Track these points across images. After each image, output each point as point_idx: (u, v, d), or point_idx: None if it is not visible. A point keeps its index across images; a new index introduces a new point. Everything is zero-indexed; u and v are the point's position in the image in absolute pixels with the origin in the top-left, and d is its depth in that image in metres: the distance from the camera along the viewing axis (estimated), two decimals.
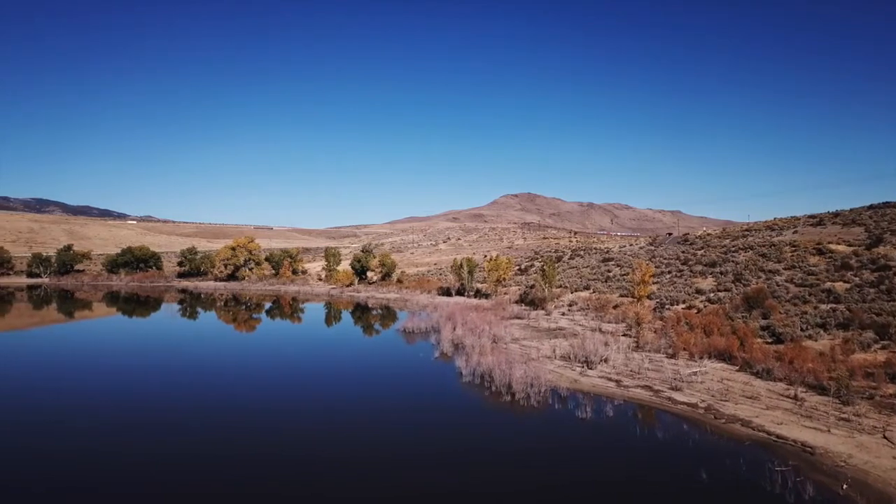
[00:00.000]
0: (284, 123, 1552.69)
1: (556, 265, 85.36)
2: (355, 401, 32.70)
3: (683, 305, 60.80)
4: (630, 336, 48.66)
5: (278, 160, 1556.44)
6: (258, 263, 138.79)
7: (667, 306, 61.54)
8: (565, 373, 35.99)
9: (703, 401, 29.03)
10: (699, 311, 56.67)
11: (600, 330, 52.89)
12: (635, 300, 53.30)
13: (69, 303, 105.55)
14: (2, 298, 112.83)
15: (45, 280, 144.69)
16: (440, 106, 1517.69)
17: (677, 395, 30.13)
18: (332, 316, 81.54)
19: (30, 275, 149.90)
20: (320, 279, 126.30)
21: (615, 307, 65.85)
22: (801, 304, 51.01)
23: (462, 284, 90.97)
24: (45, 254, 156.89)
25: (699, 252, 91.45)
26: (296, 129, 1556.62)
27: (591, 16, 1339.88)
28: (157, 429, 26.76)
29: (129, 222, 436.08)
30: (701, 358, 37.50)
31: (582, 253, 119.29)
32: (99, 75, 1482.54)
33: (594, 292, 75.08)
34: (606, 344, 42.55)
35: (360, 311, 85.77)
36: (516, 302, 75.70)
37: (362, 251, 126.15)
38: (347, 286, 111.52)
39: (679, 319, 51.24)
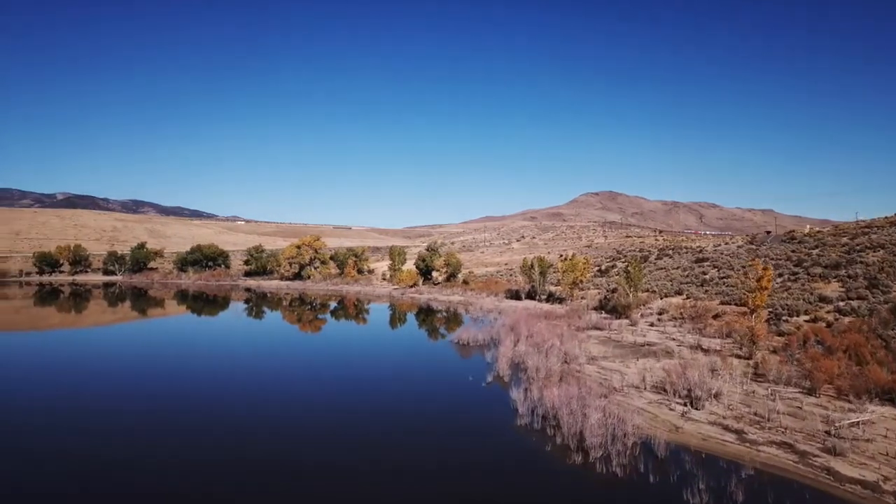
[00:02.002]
0: (368, 124, 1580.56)
1: (642, 266, 74.36)
2: (371, 437, 24.78)
3: (806, 317, 49.00)
4: (743, 358, 37.98)
5: (360, 160, 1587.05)
6: (323, 262, 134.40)
7: (783, 318, 49.89)
8: (661, 414, 26.27)
9: (887, 478, 18.75)
10: (829, 325, 44.88)
11: (701, 347, 42.36)
12: (748, 311, 42.34)
13: (142, 300, 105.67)
14: (80, 295, 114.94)
15: (119, 278, 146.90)
16: (520, 104, 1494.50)
17: (839, 465, 19.93)
18: (385, 320, 74.36)
19: (106, 272, 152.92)
20: (385, 279, 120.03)
21: (716, 317, 54.65)
22: None
23: (532, 287, 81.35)
24: (119, 252, 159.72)
25: (814, 252, 77.65)
26: (379, 130, 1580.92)
27: (673, 8, 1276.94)
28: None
29: (213, 221, 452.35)
30: (858, 397, 26.67)
31: (670, 252, 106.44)
32: (184, 79, 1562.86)
33: (688, 298, 63.74)
34: (714, 370, 32.37)
35: (418, 314, 78.08)
36: (595, 308, 65.43)
37: (427, 250, 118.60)
38: (410, 287, 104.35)
39: (807, 337, 39.93)
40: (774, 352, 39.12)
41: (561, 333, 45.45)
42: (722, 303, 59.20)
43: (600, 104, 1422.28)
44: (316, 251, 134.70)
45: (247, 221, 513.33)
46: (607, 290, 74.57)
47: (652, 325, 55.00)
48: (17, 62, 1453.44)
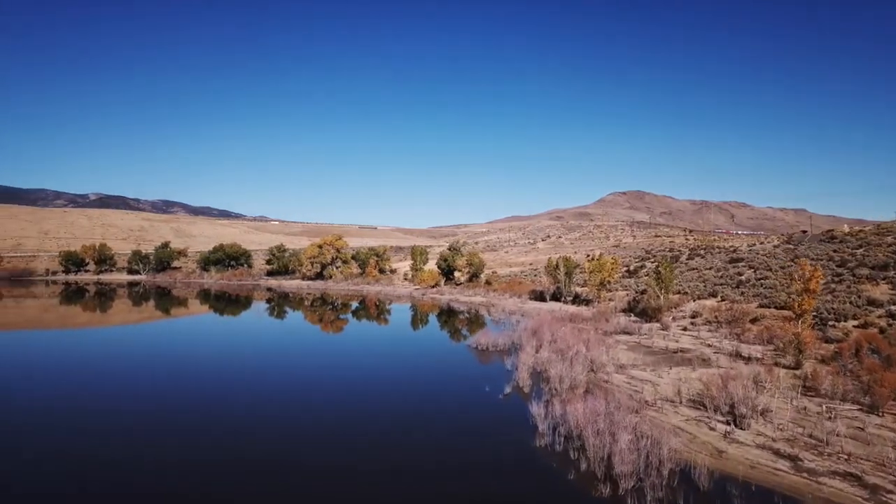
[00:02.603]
0: (396, 125, 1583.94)
1: (673, 266, 70.54)
2: (371, 454, 22.05)
3: (855, 322, 45.16)
4: (788, 368, 34.53)
5: (387, 160, 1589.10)
6: (345, 262, 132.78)
7: (830, 323, 46.06)
8: (700, 434, 23.20)
9: None
10: (882, 331, 41.07)
11: (740, 355, 38.99)
12: (794, 315, 38.74)
13: (164, 300, 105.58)
14: (104, 294, 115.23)
15: (143, 277, 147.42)
16: (546, 103, 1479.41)
17: None
18: (402, 322, 71.97)
19: (130, 271, 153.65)
20: (406, 279, 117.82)
21: (754, 321, 51.01)
22: None
23: (558, 288, 78.12)
24: (143, 251, 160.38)
25: (857, 252, 73.10)
26: (406, 130, 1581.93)
27: (700, 4, 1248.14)
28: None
29: (240, 221, 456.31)
30: None
31: (702, 252, 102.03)
32: (214, 79, 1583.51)
33: (723, 300, 59.97)
34: (757, 382, 29.08)
35: (438, 316, 75.49)
36: (623, 311, 62.08)
37: (449, 249, 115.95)
38: (432, 287, 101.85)
39: (860, 345, 36.22)
40: (823, 361, 35.63)
41: (587, 338, 42.37)
42: (760, 306, 55.43)
43: (627, 103, 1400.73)
44: (338, 251, 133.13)
45: (274, 221, 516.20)
46: (636, 292, 71.07)
47: (685, 329, 51.59)
48: (35, 62, 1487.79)
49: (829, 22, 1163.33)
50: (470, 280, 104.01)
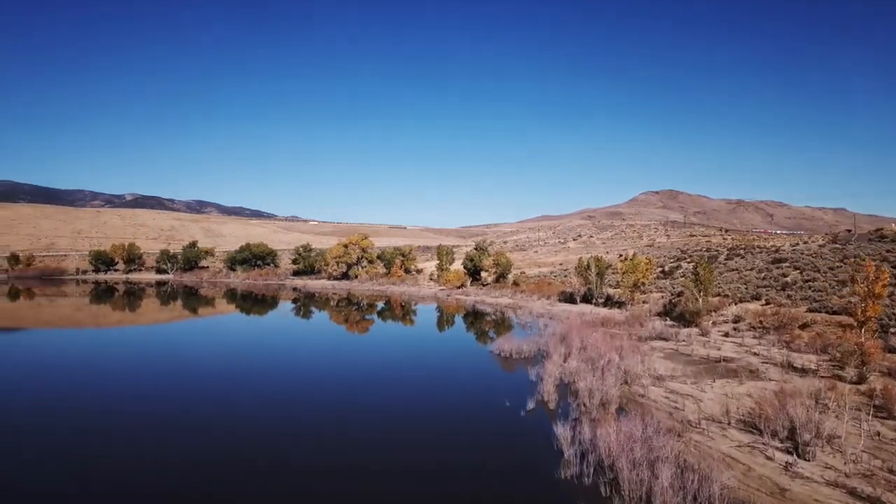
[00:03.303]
0: (428, 125, 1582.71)
1: (711, 266, 66.12)
2: (371, 486, 19.22)
3: None
4: (851, 382, 30.58)
5: (416, 159, 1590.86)
6: (370, 262, 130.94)
7: (891, 329, 41.67)
8: (756, 465, 19.73)
9: None
10: None
11: (791, 365, 35.05)
12: (856, 323, 34.71)
13: (191, 300, 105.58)
14: (133, 294, 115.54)
15: (170, 276, 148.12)
16: (578, 103, 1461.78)
17: None
18: (423, 325, 69.13)
19: (158, 271, 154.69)
20: (432, 279, 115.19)
21: (804, 327, 46.77)
22: None
23: (588, 289, 74.34)
24: (172, 251, 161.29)
25: None
26: (438, 129, 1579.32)
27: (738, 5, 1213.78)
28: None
29: (270, 221, 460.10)
30: None
31: (742, 252, 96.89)
32: (244, 81, 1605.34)
33: (768, 303, 55.66)
34: (819, 400, 25.33)
35: (461, 318, 72.51)
36: (658, 314, 58.10)
37: (476, 249, 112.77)
38: (457, 288, 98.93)
39: None
40: (889, 374, 31.64)
41: (620, 345, 38.85)
42: (809, 310, 51.09)
43: (660, 102, 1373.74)
44: (363, 250, 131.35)
45: (309, 221, 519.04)
46: (672, 294, 67.00)
47: (727, 335, 47.62)
48: (50, 63, 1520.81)
49: (872, 18, 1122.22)
50: (497, 280, 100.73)
